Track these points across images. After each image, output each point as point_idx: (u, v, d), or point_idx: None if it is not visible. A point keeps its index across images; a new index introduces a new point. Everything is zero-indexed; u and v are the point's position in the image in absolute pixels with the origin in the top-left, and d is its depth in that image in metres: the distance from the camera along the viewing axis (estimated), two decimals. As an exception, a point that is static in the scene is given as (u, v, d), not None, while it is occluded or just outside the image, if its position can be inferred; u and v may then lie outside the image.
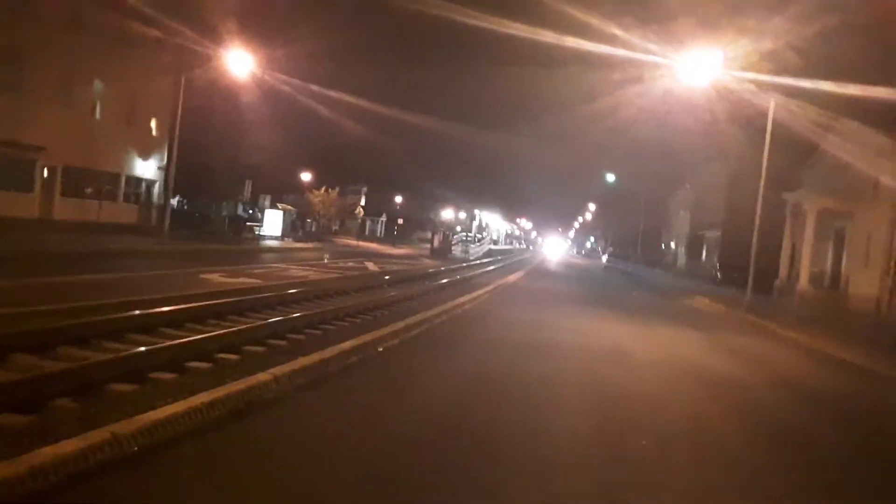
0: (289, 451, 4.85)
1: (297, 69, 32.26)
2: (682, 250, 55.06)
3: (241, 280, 15.92)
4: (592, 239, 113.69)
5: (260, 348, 8.17)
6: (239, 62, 26.60)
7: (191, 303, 10.61)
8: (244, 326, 9.19)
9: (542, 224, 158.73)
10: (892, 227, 22.47)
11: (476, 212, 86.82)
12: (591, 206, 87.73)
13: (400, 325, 10.83)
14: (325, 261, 27.86)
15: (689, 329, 16.40)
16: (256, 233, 37.92)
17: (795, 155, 30.75)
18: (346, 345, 8.35)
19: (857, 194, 25.78)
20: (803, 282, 27.62)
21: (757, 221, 22.56)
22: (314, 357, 7.35)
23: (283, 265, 23.36)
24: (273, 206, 43.87)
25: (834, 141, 27.54)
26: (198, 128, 30.60)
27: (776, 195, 30.35)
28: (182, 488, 4.00)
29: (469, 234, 72.78)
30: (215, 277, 16.19)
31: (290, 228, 42.46)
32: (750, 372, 11.15)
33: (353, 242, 49.13)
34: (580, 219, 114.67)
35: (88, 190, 25.93)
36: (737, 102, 24.42)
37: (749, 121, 26.07)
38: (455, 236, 50.29)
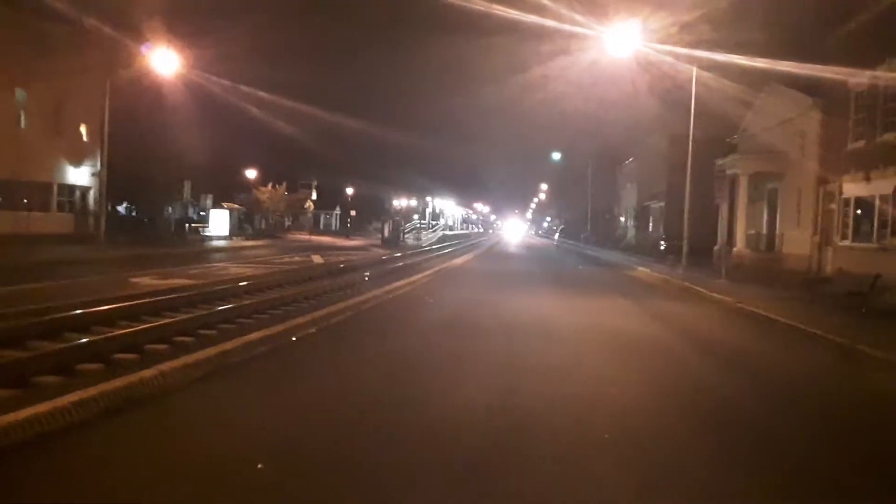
0: (154, 443, 4.87)
1: (228, 69, 31.81)
2: (630, 223, 55.88)
3: (171, 281, 15.72)
4: (549, 219, 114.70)
5: (163, 346, 8.13)
6: (168, 62, 26.00)
7: (105, 306, 10.48)
8: (151, 325, 9.12)
9: (500, 207, 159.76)
10: (818, 184, 23.16)
11: (429, 199, 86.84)
12: (544, 186, 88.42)
13: (321, 312, 10.87)
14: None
15: (621, 298, 16.77)
16: (202, 234, 37.36)
17: (729, 122, 31.51)
18: (254, 336, 8.35)
19: (785, 155, 26.46)
20: (740, 245, 28.35)
21: (687, 188, 23.11)
22: (211, 350, 7.34)
23: (224, 264, 23.11)
24: (217, 205, 43.19)
25: (760, 103, 28.25)
26: (131, 130, 29.96)
27: (712, 162, 31.10)
28: (24, 490, 4.01)
29: (423, 221, 72.76)
30: (145, 280, 15.96)
31: (238, 227, 41.92)
32: (664, 331, 11.51)
33: (306, 237, 48.76)
34: (535, 199, 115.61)
35: (17, 202, 25.17)
36: (661, 74, 24.92)
37: (675, 90, 26.54)
38: (407, 224, 50.21)
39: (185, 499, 3.98)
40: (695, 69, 22.27)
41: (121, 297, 11.78)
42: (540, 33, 23.72)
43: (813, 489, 4.61)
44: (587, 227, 61.76)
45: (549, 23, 21.14)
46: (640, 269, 27.91)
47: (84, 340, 7.78)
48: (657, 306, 15.36)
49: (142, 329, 8.75)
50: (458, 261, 28.61)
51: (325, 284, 16.17)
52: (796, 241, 25.57)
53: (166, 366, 6.44)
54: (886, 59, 17.85)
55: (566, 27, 21.59)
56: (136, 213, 42.33)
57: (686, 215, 23.70)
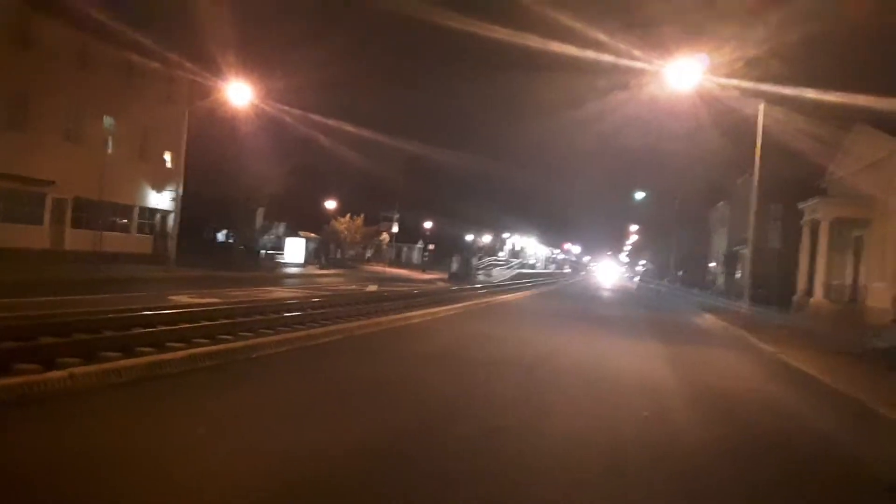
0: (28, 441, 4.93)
1: (307, 100, 33.20)
2: (720, 268, 53.43)
3: (204, 300, 16.24)
4: (643, 262, 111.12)
5: (117, 354, 8.32)
6: (249, 95, 27.37)
7: (112, 315, 10.93)
8: (122, 334, 9.40)
9: (594, 248, 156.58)
10: (903, 233, 21.22)
11: (506, 235, 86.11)
12: (633, 227, 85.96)
13: (301, 333, 10.84)
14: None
15: (656, 341, 15.74)
16: (277, 260, 38.66)
17: (816, 167, 29.61)
18: (203, 350, 8.40)
19: (872, 200, 24.55)
20: (818, 295, 26.31)
21: (750, 233, 21.67)
22: (145, 359, 7.44)
23: (274, 288, 23.73)
24: (293, 233, 44.66)
25: (848, 145, 26.44)
26: (212, 159, 31.73)
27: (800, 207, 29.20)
28: None
29: (501, 258, 72.10)
30: (182, 298, 16.59)
31: (314, 256, 43.09)
32: (675, 380, 10.55)
33: (381, 269, 49.50)
34: (629, 241, 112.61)
35: (100, 221, 26.92)
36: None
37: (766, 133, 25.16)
38: (482, 260, 49.96)
39: None
40: (762, 105, 21.00)
41: (138, 310, 12.16)
42: (596, 69, 23.35)
43: None
44: (671, 270, 59.38)
45: (605, 57, 20.90)
46: (708, 315, 26.29)
47: (38, 343, 8.10)
48: (692, 353, 14.27)
49: (106, 336, 9.03)
50: (511, 296, 28.09)
51: (348, 309, 16.22)
52: (880, 294, 23.46)
53: (81, 370, 6.59)
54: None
55: (624, 62, 21.16)
56: (234, 239, 44.28)
57: (749, 262, 22.22)
